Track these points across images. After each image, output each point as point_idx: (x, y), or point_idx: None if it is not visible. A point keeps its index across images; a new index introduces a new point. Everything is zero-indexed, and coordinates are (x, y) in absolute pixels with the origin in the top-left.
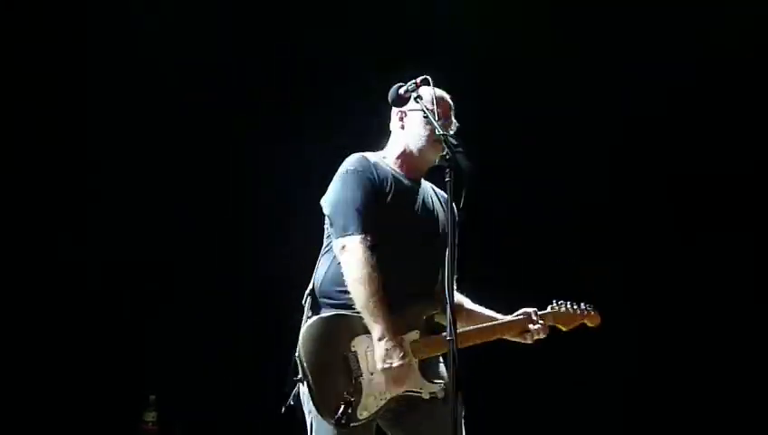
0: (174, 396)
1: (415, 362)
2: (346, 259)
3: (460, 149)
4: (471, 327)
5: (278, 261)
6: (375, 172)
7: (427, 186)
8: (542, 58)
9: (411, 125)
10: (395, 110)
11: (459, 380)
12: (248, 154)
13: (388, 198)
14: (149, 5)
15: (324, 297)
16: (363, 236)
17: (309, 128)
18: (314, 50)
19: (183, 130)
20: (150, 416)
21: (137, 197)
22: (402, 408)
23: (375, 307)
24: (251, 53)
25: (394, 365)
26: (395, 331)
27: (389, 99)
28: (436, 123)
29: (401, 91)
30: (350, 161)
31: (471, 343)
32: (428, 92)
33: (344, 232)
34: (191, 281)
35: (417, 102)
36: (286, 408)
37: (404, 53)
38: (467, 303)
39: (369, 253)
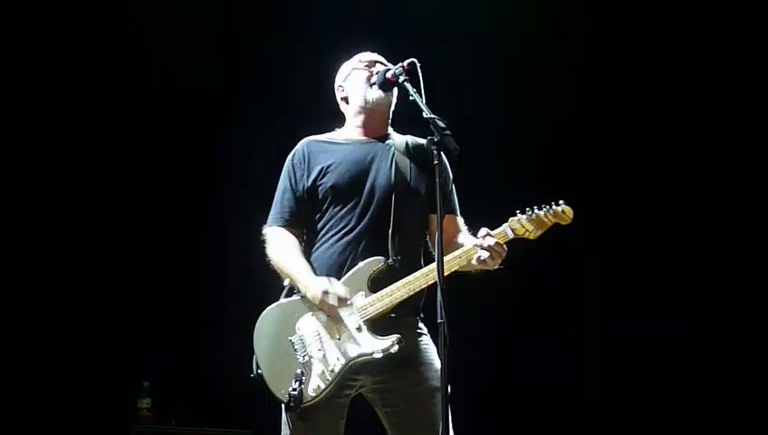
0: (168, 382)
1: (364, 325)
2: (267, 249)
3: (448, 132)
4: (423, 269)
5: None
6: (306, 154)
7: (391, 141)
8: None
9: (350, 87)
10: (336, 87)
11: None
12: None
13: (319, 172)
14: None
15: (293, 289)
16: (278, 224)
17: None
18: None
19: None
20: (145, 402)
21: (136, 179)
22: (385, 384)
23: (289, 269)
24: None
25: (326, 299)
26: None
27: (376, 82)
28: (424, 106)
29: (388, 74)
30: (293, 150)
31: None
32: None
33: (265, 227)
34: (185, 266)
35: (405, 85)
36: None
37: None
38: (463, 236)
39: (279, 232)
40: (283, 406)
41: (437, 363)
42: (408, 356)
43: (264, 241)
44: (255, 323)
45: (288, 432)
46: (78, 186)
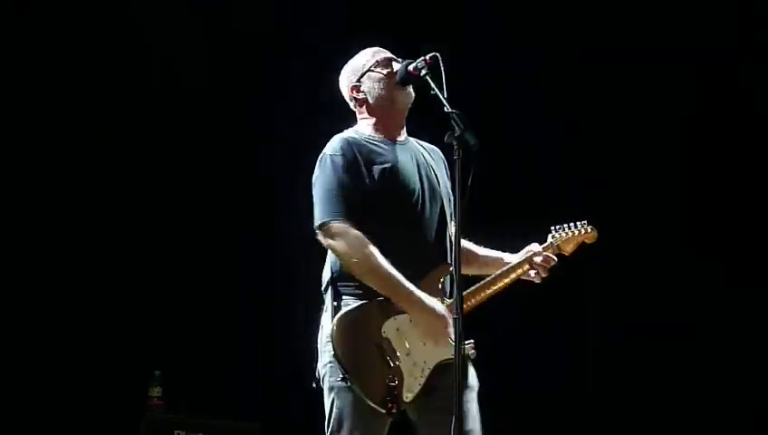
0: (179, 371)
1: (451, 323)
2: (335, 246)
3: (469, 127)
4: (481, 283)
5: (287, 240)
6: (357, 152)
7: (413, 144)
8: None
9: (370, 87)
10: (348, 88)
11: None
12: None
13: (378, 174)
14: None
15: (343, 281)
16: (346, 220)
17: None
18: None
19: None
20: (156, 391)
21: (147, 170)
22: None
23: (387, 278)
24: None
25: (433, 320)
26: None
27: (397, 77)
28: (444, 101)
29: (410, 68)
30: (331, 145)
31: (487, 297)
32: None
33: (326, 219)
34: (198, 257)
35: (427, 79)
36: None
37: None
38: (474, 248)
39: (356, 232)
40: (337, 405)
41: (471, 368)
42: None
43: (328, 235)
44: (334, 329)
45: (340, 427)
46: (85, 174)
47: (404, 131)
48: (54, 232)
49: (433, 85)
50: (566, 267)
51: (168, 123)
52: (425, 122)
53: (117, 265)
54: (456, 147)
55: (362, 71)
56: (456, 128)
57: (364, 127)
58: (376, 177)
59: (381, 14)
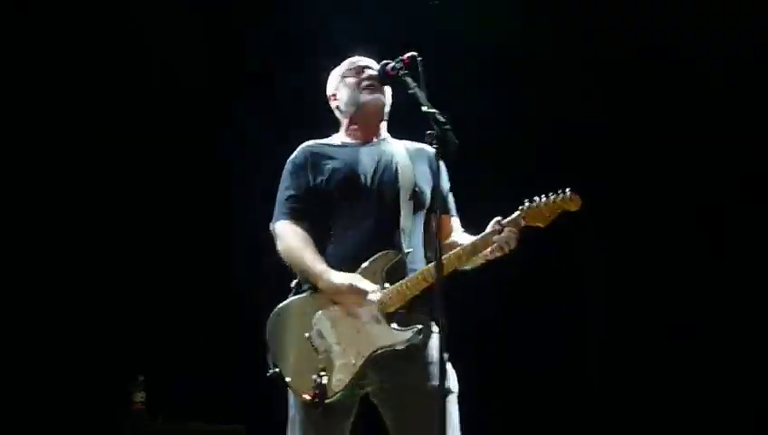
0: (162, 376)
1: (382, 317)
2: (278, 244)
3: (448, 127)
4: (447, 254)
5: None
6: (309, 157)
7: (388, 144)
8: None
9: (341, 94)
10: (329, 96)
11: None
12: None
13: (327, 174)
14: None
15: (302, 284)
16: (285, 219)
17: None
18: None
19: None
20: (139, 396)
21: (141, 169)
22: (385, 383)
23: (307, 266)
24: None
25: (350, 294)
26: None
27: (377, 76)
28: (423, 100)
29: (388, 68)
30: (293, 154)
31: (448, 272)
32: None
33: (273, 220)
34: (179, 260)
35: (405, 79)
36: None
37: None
38: (457, 235)
39: (290, 227)
40: (294, 404)
41: (447, 363)
42: (418, 353)
43: (273, 236)
44: (268, 321)
45: (293, 427)
46: (77, 180)
47: (381, 133)
48: (34, 232)
49: (411, 85)
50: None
51: (166, 122)
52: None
53: (99, 268)
54: (435, 146)
55: (338, 79)
56: (435, 127)
57: (340, 132)
58: (323, 177)
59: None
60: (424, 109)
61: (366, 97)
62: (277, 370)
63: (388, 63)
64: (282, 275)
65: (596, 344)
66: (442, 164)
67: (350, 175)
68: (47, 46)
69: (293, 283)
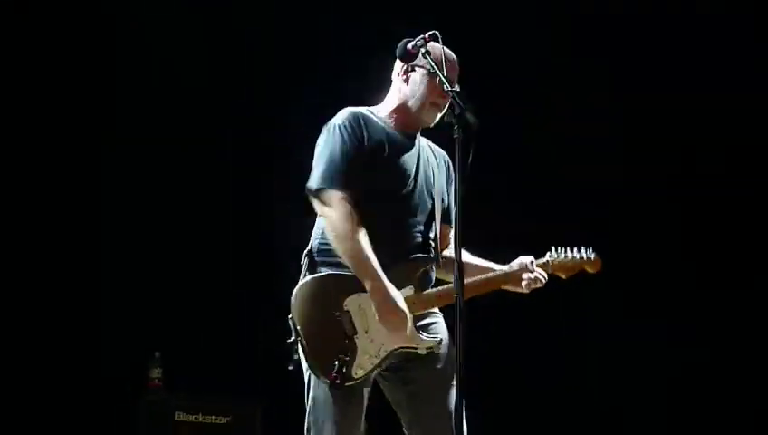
0: (179, 352)
1: (410, 317)
2: (328, 214)
3: (468, 105)
4: (467, 281)
5: (283, 217)
6: (365, 129)
7: (422, 142)
8: None
9: (414, 81)
10: (400, 63)
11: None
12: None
13: (380, 155)
14: None
15: (321, 256)
16: (344, 192)
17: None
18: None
19: None
20: (156, 372)
21: (148, 163)
22: (402, 366)
23: (364, 261)
24: None
25: (392, 313)
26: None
27: (397, 53)
28: (444, 78)
29: (409, 46)
30: (341, 116)
31: (468, 297)
32: (438, 49)
33: (324, 185)
34: (195, 237)
35: (425, 58)
36: (293, 365)
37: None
38: (465, 255)
39: (350, 208)
40: (313, 382)
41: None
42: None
43: (323, 201)
44: (296, 291)
45: (320, 412)
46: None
47: (419, 132)
48: (53, 217)
49: (432, 64)
50: None
51: (167, 123)
52: None
53: (117, 246)
54: (455, 126)
55: (429, 66)
56: (456, 106)
57: (384, 107)
58: (375, 156)
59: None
60: (444, 87)
61: (428, 115)
62: (300, 339)
63: (409, 41)
64: (299, 253)
65: (596, 345)
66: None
67: (399, 164)
68: (46, 44)
69: (304, 253)
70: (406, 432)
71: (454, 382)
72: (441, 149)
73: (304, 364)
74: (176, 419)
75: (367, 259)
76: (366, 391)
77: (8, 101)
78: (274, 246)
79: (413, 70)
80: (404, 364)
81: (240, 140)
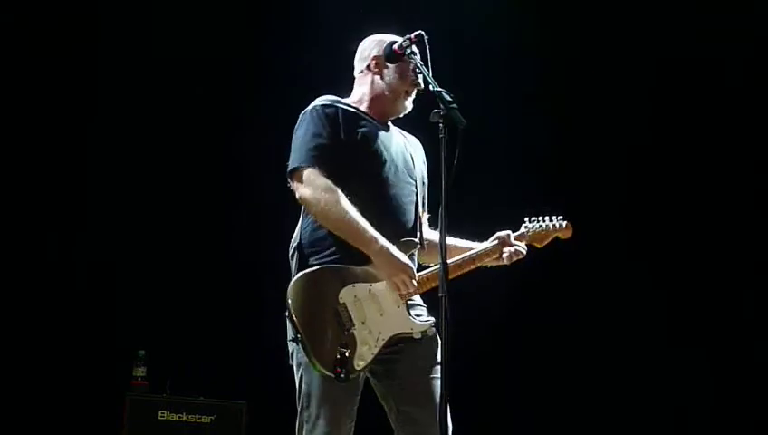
0: (163, 351)
1: (402, 304)
2: (305, 192)
3: (455, 106)
4: (453, 259)
5: (269, 213)
6: (339, 112)
7: (395, 130)
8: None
9: (388, 75)
10: (372, 56)
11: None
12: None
13: (354, 137)
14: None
15: (310, 248)
16: (318, 168)
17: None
18: None
19: None
20: (140, 371)
21: (140, 155)
22: (388, 359)
23: (355, 226)
24: None
25: (401, 271)
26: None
27: (383, 53)
28: (430, 78)
29: (395, 46)
30: (316, 102)
31: (452, 277)
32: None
33: (296, 164)
34: (181, 235)
35: (411, 59)
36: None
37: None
38: (429, 233)
39: (326, 180)
40: (306, 380)
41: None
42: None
43: (298, 180)
44: (291, 287)
45: (313, 407)
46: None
47: (389, 123)
48: (39, 211)
49: (418, 64)
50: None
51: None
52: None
53: (102, 244)
54: (441, 125)
55: (395, 54)
56: (442, 106)
57: (356, 97)
58: (355, 138)
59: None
60: (431, 87)
61: (403, 103)
62: (299, 336)
63: (395, 42)
64: (284, 251)
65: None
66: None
67: (378, 147)
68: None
69: (292, 247)
70: (393, 425)
71: (437, 375)
72: (412, 136)
73: (295, 362)
74: (159, 417)
75: (357, 223)
76: (360, 382)
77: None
78: (261, 245)
79: (386, 67)
80: (390, 357)
81: (233, 136)
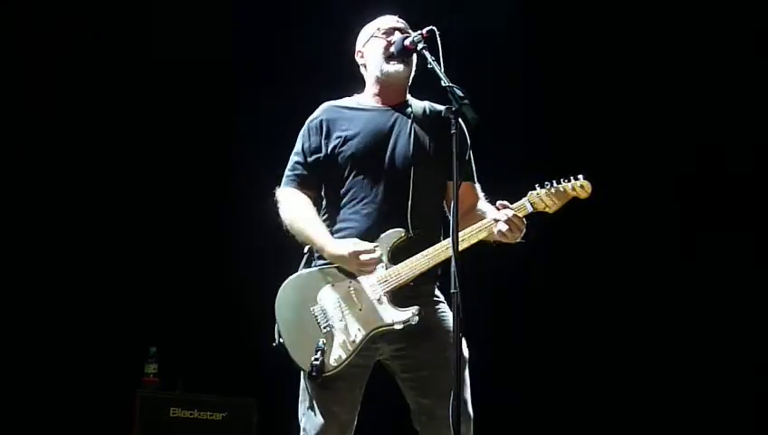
0: (175, 348)
1: (384, 296)
2: (281, 211)
3: (466, 101)
4: (444, 242)
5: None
6: (326, 118)
7: (409, 109)
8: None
9: (368, 57)
10: (358, 51)
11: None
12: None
13: (338, 140)
14: None
15: (313, 252)
16: (294, 187)
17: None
18: None
19: None
20: (151, 368)
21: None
22: (400, 354)
23: (308, 230)
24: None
25: (354, 261)
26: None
27: (394, 49)
28: (442, 74)
29: (407, 42)
30: (314, 113)
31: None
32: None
33: (281, 186)
34: (192, 232)
35: (424, 53)
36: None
37: None
38: (482, 204)
39: (296, 197)
40: (302, 374)
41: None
42: (426, 324)
43: (276, 203)
44: (277, 293)
45: (307, 400)
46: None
47: (404, 97)
48: (47, 211)
49: (431, 59)
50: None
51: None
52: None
53: (113, 243)
54: (453, 120)
55: (367, 38)
56: (454, 101)
57: (364, 91)
58: (331, 144)
59: None
60: (443, 83)
61: (388, 68)
62: (281, 340)
63: (407, 37)
64: (295, 250)
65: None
66: (463, 126)
67: (362, 146)
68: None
69: (306, 248)
70: (412, 418)
71: (448, 367)
72: (441, 107)
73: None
74: (171, 414)
75: (311, 233)
76: (357, 377)
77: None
78: (272, 243)
79: (363, 50)
80: (402, 353)
81: (239, 135)
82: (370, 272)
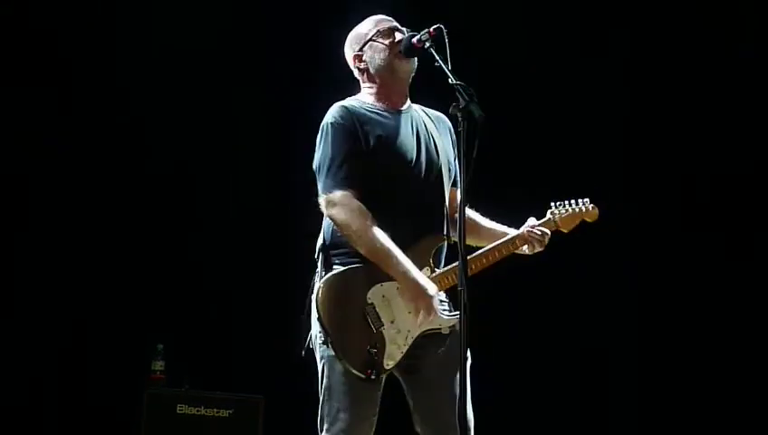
0: (182, 345)
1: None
2: (337, 215)
3: (474, 99)
4: (476, 253)
5: (290, 208)
6: (356, 119)
7: (415, 112)
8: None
9: (372, 57)
10: (351, 57)
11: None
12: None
13: (377, 140)
14: None
15: (334, 249)
16: (348, 190)
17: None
18: None
19: None
20: (158, 365)
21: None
22: (410, 354)
23: (385, 255)
24: None
25: (421, 299)
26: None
27: (401, 48)
28: (449, 72)
29: (414, 40)
30: (331, 114)
31: (481, 268)
32: (370, 22)
33: (328, 191)
34: (200, 229)
35: (431, 51)
36: (305, 352)
37: None
38: (479, 219)
39: (357, 203)
40: (331, 374)
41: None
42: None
43: (330, 205)
44: (318, 289)
45: (338, 401)
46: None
47: (407, 100)
48: (56, 199)
49: (438, 57)
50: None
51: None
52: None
53: (119, 238)
54: (460, 118)
55: (364, 40)
56: (461, 99)
57: (366, 95)
58: (372, 145)
59: None
60: (450, 81)
61: (400, 63)
62: (330, 340)
63: (414, 35)
64: (303, 246)
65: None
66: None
67: (397, 146)
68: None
69: (317, 248)
70: (414, 418)
71: (457, 369)
72: (437, 112)
73: (318, 355)
74: (178, 411)
75: (388, 252)
76: (382, 378)
77: None
78: (277, 241)
79: (362, 53)
80: (414, 352)
81: (245, 132)
82: (427, 316)
